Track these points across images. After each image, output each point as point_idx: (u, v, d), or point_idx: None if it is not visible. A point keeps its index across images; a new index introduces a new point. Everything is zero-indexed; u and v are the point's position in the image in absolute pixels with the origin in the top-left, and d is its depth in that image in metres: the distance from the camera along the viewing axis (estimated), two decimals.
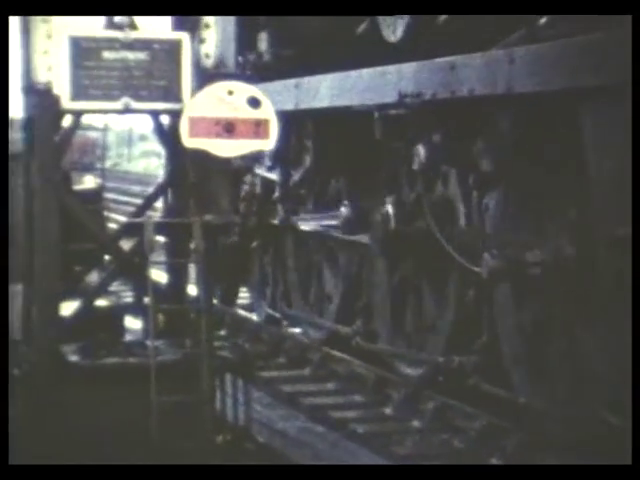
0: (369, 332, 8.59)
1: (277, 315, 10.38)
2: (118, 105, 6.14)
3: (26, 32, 6.10)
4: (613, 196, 5.29)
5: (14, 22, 6.12)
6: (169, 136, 6.54)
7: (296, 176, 9.28)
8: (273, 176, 9.57)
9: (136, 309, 6.93)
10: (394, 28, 7.33)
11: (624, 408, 5.18)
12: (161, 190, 6.85)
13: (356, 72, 7.49)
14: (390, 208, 7.68)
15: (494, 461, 6.66)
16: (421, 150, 6.83)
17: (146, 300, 6.36)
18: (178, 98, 6.15)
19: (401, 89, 6.89)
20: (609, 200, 5.38)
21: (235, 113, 6.05)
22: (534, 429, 6.60)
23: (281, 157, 9.22)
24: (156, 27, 6.41)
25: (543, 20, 5.87)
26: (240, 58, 7.93)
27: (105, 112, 6.75)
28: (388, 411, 8.02)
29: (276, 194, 9.68)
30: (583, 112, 5.46)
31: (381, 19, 7.51)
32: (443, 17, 6.75)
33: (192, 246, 6.30)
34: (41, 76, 6.02)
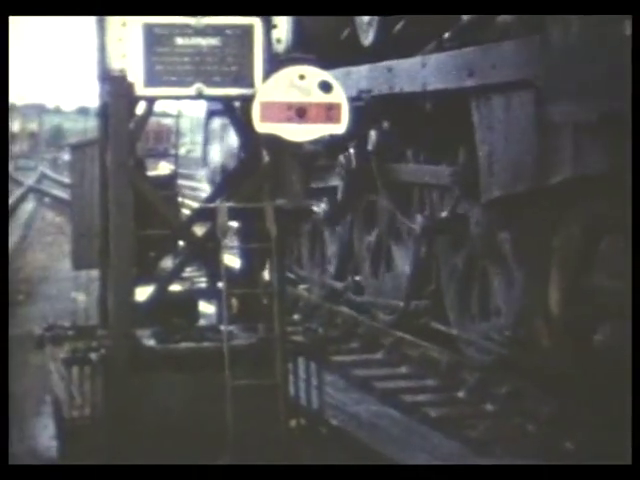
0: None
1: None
2: (191, 91, 6.16)
3: (101, 21, 6.15)
4: (492, 168, 6.78)
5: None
6: (241, 121, 6.55)
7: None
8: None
9: (210, 294, 6.98)
10: (367, 35, 8.94)
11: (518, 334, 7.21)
12: (234, 175, 6.87)
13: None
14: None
15: (568, 445, 6.62)
16: (372, 135, 8.84)
17: (219, 285, 6.38)
18: (250, 83, 6.16)
19: (358, 86, 8.60)
20: (489, 172, 6.81)
21: (307, 97, 6.05)
22: (460, 354, 8.28)
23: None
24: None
25: (447, 35, 7.44)
26: None
27: (178, 98, 6.77)
28: (461, 395, 7.99)
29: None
30: (473, 105, 6.95)
31: (358, 25, 9.05)
32: (399, 26, 8.36)
33: (265, 230, 6.32)
34: (115, 63, 6.07)
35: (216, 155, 12.89)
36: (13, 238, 20.98)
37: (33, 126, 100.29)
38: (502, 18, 6.78)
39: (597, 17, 5.55)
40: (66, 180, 35.16)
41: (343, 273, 10.84)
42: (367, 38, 8.98)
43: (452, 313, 8.56)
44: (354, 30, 9.24)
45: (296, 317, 10.76)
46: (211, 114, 13.52)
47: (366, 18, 9.00)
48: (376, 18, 8.72)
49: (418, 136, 8.52)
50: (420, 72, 7.51)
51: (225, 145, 12.75)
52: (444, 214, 8.18)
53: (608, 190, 5.87)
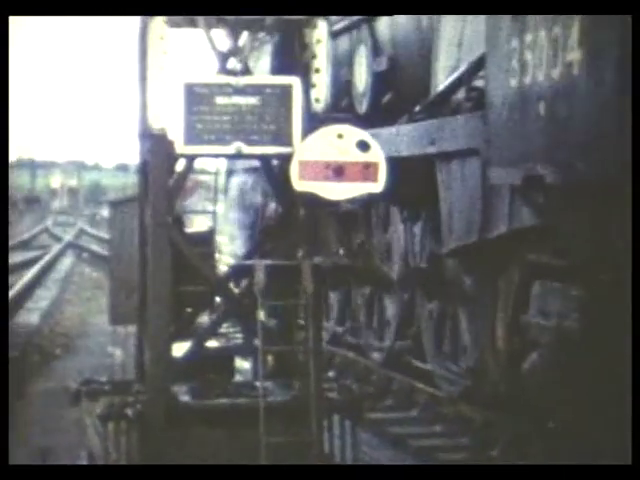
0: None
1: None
2: (230, 149, 6.23)
3: (143, 79, 6.25)
4: (451, 223, 7.82)
5: (132, 69, 6.28)
6: (279, 179, 6.61)
7: None
8: None
9: (246, 350, 6.99)
10: (361, 104, 10.36)
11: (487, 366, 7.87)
12: (271, 233, 6.92)
13: None
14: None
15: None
16: None
17: (256, 341, 6.41)
18: (288, 142, 6.22)
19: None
20: (449, 226, 7.88)
21: (344, 156, 6.11)
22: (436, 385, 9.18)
23: None
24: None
25: (417, 108, 8.53)
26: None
27: (217, 156, 6.86)
28: (495, 454, 7.94)
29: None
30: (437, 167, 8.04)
31: (354, 95, 10.51)
32: (386, 98, 9.98)
33: (301, 288, 6.35)
34: (156, 122, 6.16)
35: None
36: (52, 292, 21.15)
37: (73, 182, 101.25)
38: (456, 97, 7.80)
39: (521, 95, 6.03)
40: (104, 236, 35.41)
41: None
42: (361, 107, 10.36)
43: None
44: (351, 99, 10.61)
45: (331, 374, 10.75)
46: (230, 173, 13.86)
47: (361, 89, 10.39)
48: (369, 90, 10.20)
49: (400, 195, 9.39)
50: (395, 140, 8.61)
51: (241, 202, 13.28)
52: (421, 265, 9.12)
53: (538, 241, 6.65)
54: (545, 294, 6.50)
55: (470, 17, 7.84)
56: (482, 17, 6.79)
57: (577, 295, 5.95)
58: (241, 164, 13.50)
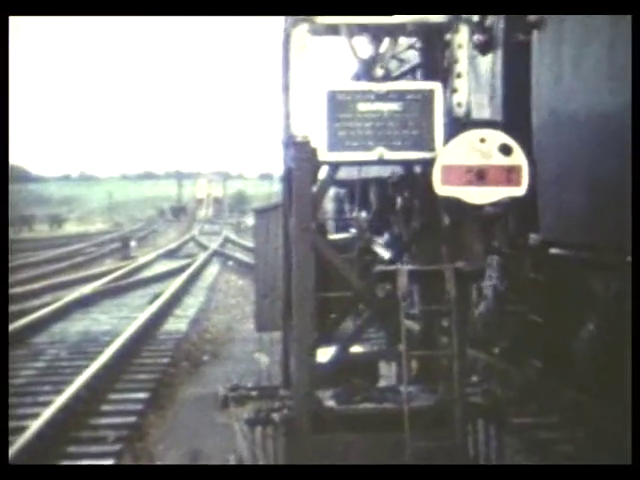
0: None
1: None
2: (373, 155, 6.27)
3: (286, 89, 6.34)
4: None
5: (275, 79, 6.39)
6: (421, 184, 6.62)
7: None
8: None
9: (390, 355, 7.02)
10: None
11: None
12: (414, 237, 6.93)
13: None
14: None
15: None
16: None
17: (400, 346, 6.42)
18: (430, 147, 6.23)
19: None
20: None
21: (487, 160, 6.08)
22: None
23: None
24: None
25: None
26: None
27: (360, 163, 6.89)
28: None
29: None
30: None
31: None
32: None
33: (445, 293, 6.34)
34: (299, 130, 6.24)
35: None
36: (199, 300, 21.54)
37: (218, 192, 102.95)
38: None
39: None
40: (249, 244, 35.92)
41: None
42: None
43: None
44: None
45: (474, 378, 10.69)
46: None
47: None
48: None
49: None
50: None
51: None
52: None
53: None
54: None
55: None
56: None
57: None
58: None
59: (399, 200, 11.85)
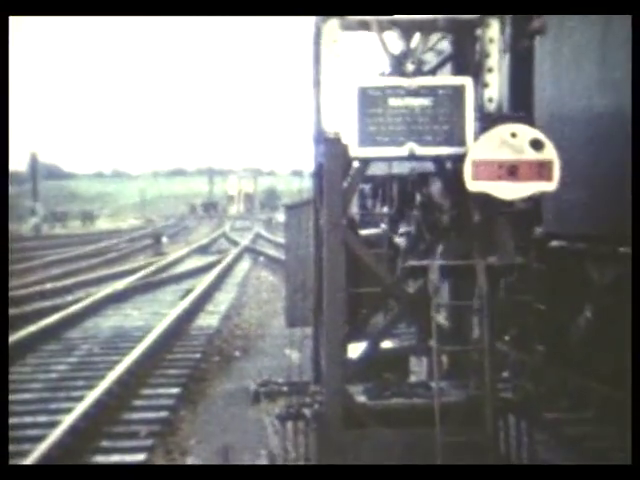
0: None
1: None
2: (403, 151, 6.26)
3: (317, 84, 6.35)
4: None
5: (303, 75, 6.41)
6: (452, 180, 6.61)
7: None
8: None
9: (420, 350, 7.02)
10: None
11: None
12: (444, 232, 6.92)
13: None
14: None
15: None
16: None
17: (430, 342, 6.42)
18: (461, 142, 6.21)
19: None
20: None
21: (518, 155, 6.07)
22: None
23: None
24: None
25: None
26: None
27: (391, 159, 6.89)
28: None
29: None
30: None
31: None
32: None
33: (476, 288, 6.33)
34: (330, 126, 6.24)
35: None
36: (230, 296, 21.60)
37: (249, 188, 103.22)
38: None
39: None
40: (279, 240, 35.96)
41: None
42: None
43: None
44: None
45: (505, 374, 10.66)
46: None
47: None
48: None
49: None
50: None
51: None
52: None
53: None
54: None
55: None
56: None
57: None
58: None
59: (418, 196, 12.04)
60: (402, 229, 13.33)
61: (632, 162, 5.54)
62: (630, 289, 6.65)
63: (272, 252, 33.05)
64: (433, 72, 8.15)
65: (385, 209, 14.04)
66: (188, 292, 20.57)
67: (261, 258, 33.02)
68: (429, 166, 10.72)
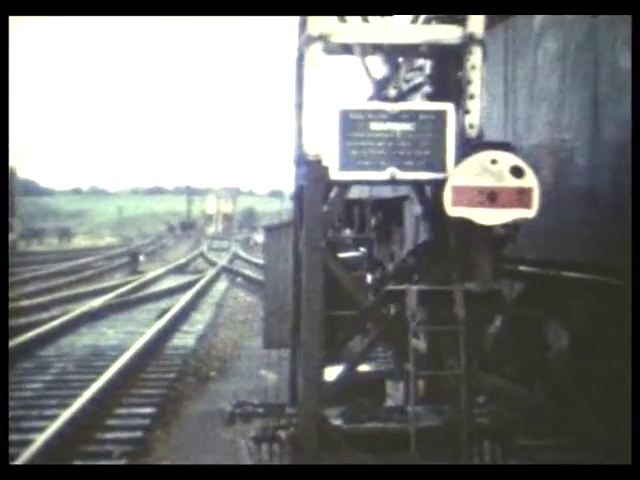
0: None
1: None
2: (384, 175, 6.28)
3: (299, 107, 6.36)
4: None
5: (284, 96, 6.43)
6: (431, 204, 6.63)
7: None
8: None
9: (397, 375, 7.01)
10: None
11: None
12: (423, 258, 6.93)
13: None
14: None
15: None
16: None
17: (407, 366, 6.42)
18: (442, 167, 6.24)
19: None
20: None
21: (498, 182, 6.09)
22: None
23: None
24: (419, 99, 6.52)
25: None
26: None
27: (371, 183, 6.90)
28: None
29: None
30: None
31: None
32: None
33: (453, 313, 6.34)
34: (312, 148, 6.25)
35: None
36: (207, 316, 21.56)
37: (228, 208, 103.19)
38: None
39: None
40: (257, 261, 35.93)
41: None
42: None
43: None
44: None
45: (481, 399, 10.67)
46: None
47: None
48: None
49: None
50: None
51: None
52: None
53: None
54: None
55: None
56: None
57: None
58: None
59: (373, 220, 12.30)
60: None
61: (632, 163, 5.54)
62: (605, 317, 6.71)
63: (249, 272, 33.02)
64: (415, 90, 8.18)
65: (348, 231, 14.24)
66: (164, 311, 20.51)
67: (238, 278, 32.98)
68: (385, 191, 11.21)
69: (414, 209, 9.27)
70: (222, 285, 31.18)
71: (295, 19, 6.48)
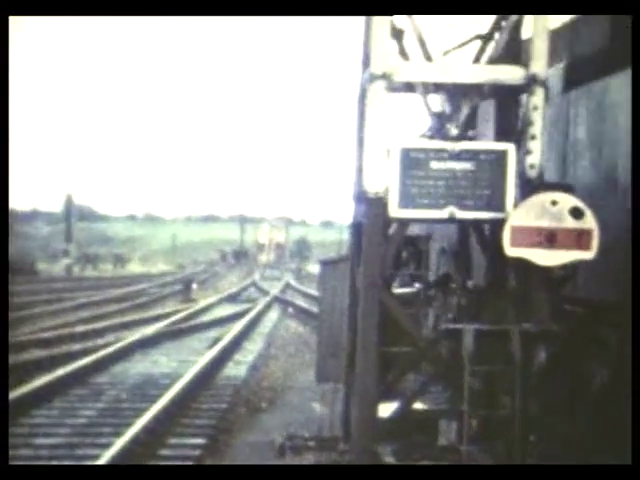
0: None
1: None
2: (443, 214, 6.30)
3: (360, 144, 6.41)
4: None
5: (341, 130, 6.47)
6: (490, 244, 6.62)
7: None
8: None
9: (451, 414, 6.99)
10: None
11: None
12: (480, 297, 6.92)
13: None
14: None
15: None
16: None
17: (462, 405, 6.40)
18: (501, 207, 6.24)
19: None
20: None
21: (558, 223, 6.08)
22: None
23: None
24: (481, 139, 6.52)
25: None
26: None
27: (431, 221, 6.91)
28: None
29: None
30: None
31: None
32: None
33: (510, 353, 6.32)
34: (371, 186, 6.28)
35: None
36: (259, 346, 21.58)
37: (280, 237, 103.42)
38: None
39: None
40: (309, 291, 35.89)
41: None
42: None
43: None
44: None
45: (532, 438, 10.59)
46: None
47: None
48: None
49: None
50: None
51: None
52: None
53: None
54: None
55: None
56: None
57: None
58: None
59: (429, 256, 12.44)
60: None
61: (632, 163, 5.51)
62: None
63: (301, 302, 33.00)
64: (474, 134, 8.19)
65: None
66: (216, 341, 20.55)
67: (290, 309, 32.98)
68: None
69: (435, 245, 9.54)
70: (274, 315, 31.18)
71: (353, 57, 6.53)
